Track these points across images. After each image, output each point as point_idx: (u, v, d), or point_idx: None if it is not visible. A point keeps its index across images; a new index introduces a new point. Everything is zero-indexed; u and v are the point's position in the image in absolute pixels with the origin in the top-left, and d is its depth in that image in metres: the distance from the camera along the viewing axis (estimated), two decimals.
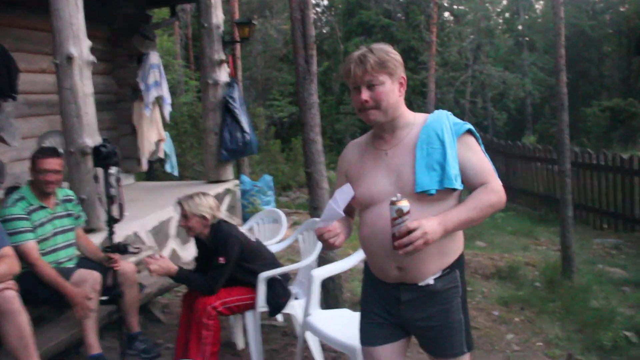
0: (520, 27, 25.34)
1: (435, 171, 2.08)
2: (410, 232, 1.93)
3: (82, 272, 3.69)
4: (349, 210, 2.33)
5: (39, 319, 3.74)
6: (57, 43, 4.54)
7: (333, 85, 20.55)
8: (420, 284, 2.16)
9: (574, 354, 4.02)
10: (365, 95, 2.10)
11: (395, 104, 2.14)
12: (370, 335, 2.33)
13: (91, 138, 4.70)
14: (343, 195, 2.12)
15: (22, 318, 3.15)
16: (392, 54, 2.14)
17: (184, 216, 3.63)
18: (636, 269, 6.17)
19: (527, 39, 24.82)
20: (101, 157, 3.72)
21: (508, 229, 7.98)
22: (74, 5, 4.55)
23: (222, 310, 3.60)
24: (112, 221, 3.75)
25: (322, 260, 4.32)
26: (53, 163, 3.68)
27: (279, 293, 3.77)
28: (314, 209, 4.38)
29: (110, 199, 3.70)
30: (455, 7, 24.05)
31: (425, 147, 2.11)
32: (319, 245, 3.95)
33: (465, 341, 2.24)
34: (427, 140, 2.12)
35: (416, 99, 20.08)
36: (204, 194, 3.71)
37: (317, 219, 3.11)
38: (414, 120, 2.21)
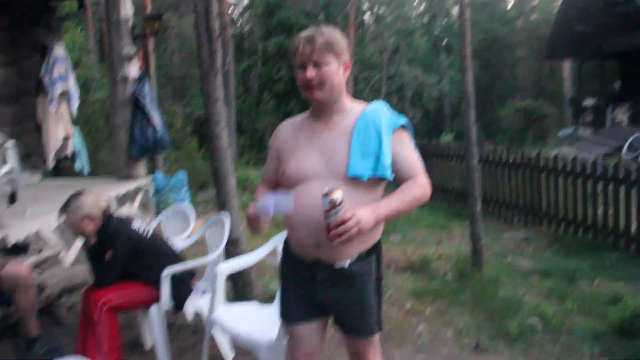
0: (437, 31, 26.01)
1: (369, 159, 2.15)
2: (344, 221, 1.99)
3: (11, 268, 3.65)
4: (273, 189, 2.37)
5: None
6: None
7: (252, 84, 20.40)
8: (335, 266, 2.21)
9: (482, 342, 4.11)
10: (311, 72, 2.15)
11: (339, 85, 2.21)
12: (289, 313, 2.42)
13: None
14: (282, 201, 2.13)
15: None
16: (340, 38, 2.21)
17: (73, 226, 3.52)
18: (543, 260, 6.41)
19: (444, 42, 25.48)
20: None
21: (423, 224, 8.11)
22: None
23: (118, 305, 3.48)
24: None
25: (231, 255, 4.25)
26: None
27: (178, 287, 3.68)
28: (222, 204, 4.28)
29: None
30: (375, 8, 24.42)
31: (361, 135, 2.18)
32: (225, 240, 3.88)
33: (377, 322, 2.34)
34: (364, 129, 2.19)
35: None
36: (76, 194, 3.55)
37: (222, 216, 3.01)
38: (352, 107, 2.28)
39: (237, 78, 19.05)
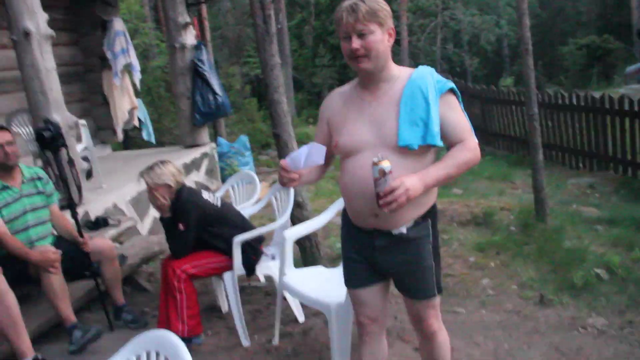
0: None
1: (418, 127, 2.15)
2: (393, 190, 2.01)
3: (97, 241, 3.95)
4: (326, 159, 2.39)
5: (27, 296, 3.80)
6: (11, 19, 4.45)
7: (307, 38, 20.22)
8: (393, 232, 2.27)
9: (546, 294, 4.12)
10: (356, 43, 2.13)
11: (384, 53, 2.19)
12: (352, 278, 2.50)
13: (59, 114, 4.66)
14: (314, 153, 2.17)
15: (9, 298, 3.24)
16: (383, 4, 2.18)
17: (149, 189, 3.66)
18: (609, 207, 6.26)
19: None
20: (46, 141, 3.71)
21: (484, 174, 8.03)
22: None
23: (194, 273, 3.66)
24: (72, 205, 3.76)
25: (297, 219, 4.39)
26: (2, 136, 3.63)
27: (248, 253, 3.84)
28: None
29: (65, 182, 3.69)
30: None
31: (409, 103, 2.17)
32: (290, 205, 4.02)
33: (436, 284, 2.39)
34: (411, 96, 2.18)
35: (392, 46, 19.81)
36: (162, 162, 3.71)
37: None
38: (398, 74, 2.27)
39: (291, 32, 18.95)
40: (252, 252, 3.88)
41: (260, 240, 4.02)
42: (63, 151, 3.97)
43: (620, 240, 5.09)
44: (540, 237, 5.13)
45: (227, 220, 3.83)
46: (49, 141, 3.78)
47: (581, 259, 4.61)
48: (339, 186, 2.38)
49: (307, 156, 2.17)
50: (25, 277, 3.66)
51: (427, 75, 2.23)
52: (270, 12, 4.18)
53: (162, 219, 3.78)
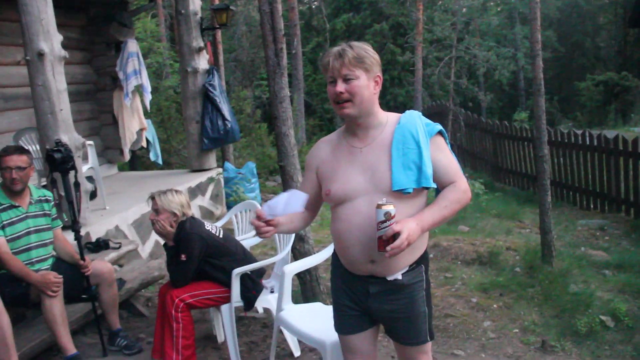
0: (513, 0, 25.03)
1: (411, 170, 2.17)
2: (395, 235, 2.01)
3: (96, 264, 3.93)
4: (313, 208, 2.47)
5: (22, 317, 3.77)
6: (27, 39, 4.49)
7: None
8: (388, 278, 2.26)
9: (549, 340, 4.05)
10: (340, 87, 2.16)
11: (369, 99, 2.20)
12: (343, 325, 2.48)
13: (67, 135, 4.69)
14: (293, 200, 2.17)
15: (3, 319, 3.24)
16: (370, 52, 2.21)
17: (156, 210, 3.68)
18: (618, 252, 6.17)
19: (520, 11, 24.52)
20: (56, 163, 3.71)
21: (493, 212, 7.94)
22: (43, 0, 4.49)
23: (193, 303, 3.65)
24: (76, 227, 3.75)
25: (298, 253, 4.34)
26: (17, 160, 3.65)
27: (248, 287, 3.82)
28: None
29: (71, 204, 3.69)
30: None
31: (401, 147, 2.20)
32: (292, 238, 3.99)
33: (428, 330, 2.39)
34: (402, 140, 2.20)
35: (406, 76, 19.94)
36: (177, 191, 3.76)
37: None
38: (386, 120, 2.29)
39: (306, 57, 19.06)
40: (253, 286, 3.86)
41: (261, 274, 4.00)
42: (71, 173, 3.98)
43: (628, 286, 5.01)
44: (546, 280, 5.04)
45: (229, 252, 3.81)
46: (59, 162, 3.78)
47: (587, 304, 4.53)
48: (332, 234, 2.36)
49: (285, 203, 2.16)
50: (25, 300, 3.65)
51: (416, 119, 2.26)
52: (282, 44, 4.19)
53: (166, 246, 3.80)
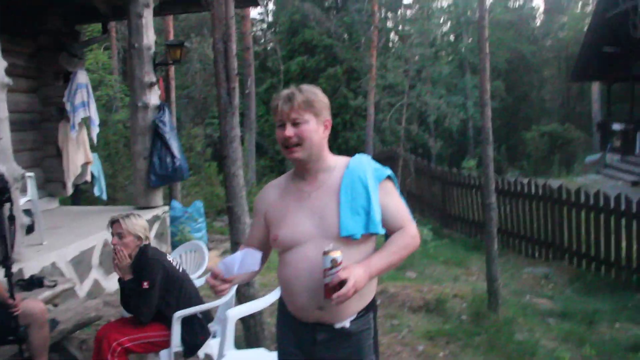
0: (463, 50, 25.79)
1: (360, 216, 2.14)
2: (342, 282, 1.97)
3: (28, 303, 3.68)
4: (264, 254, 2.35)
5: None
6: None
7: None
8: (336, 326, 2.20)
9: None
10: (289, 131, 2.14)
11: (318, 143, 2.19)
12: None
13: (5, 165, 4.48)
14: (248, 259, 2.13)
15: None
16: (320, 96, 2.20)
17: (119, 234, 3.53)
18: (562, 300, 6.27)
19: (470, 61, 25.28)
20: None
21: (440, 259, 7.98)
22: None
23: (131, 347, 3.47)
24: (7, 264, 3.55)
25: (242, 297, 4.21)
26: None
27: (196, 332, 3.67)
28: (235, 244, 4.25)
29: (3, 239, 3.49)
30: (400, 27, 24.37)
31: (349, 192, 2.17)
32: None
33: None
34: (351, 185, 2.18)
35: (358, 120, 20.19)
36: (138, 214, 3.67)
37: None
38: (335, 164, 2.26)
39: (259, 98, 19.10)
40: (201, 332, 3.69)
41: (210, 319, 3.85)
42: (6, 206, 3.77)
43: (571, 335, 5.09)
44: (492, 328, 5.05)
45: (184, 289, 3.67)
46: None
47: (531, 353, 4.58)
48: (279, 279, 2.29)
49: (241, 262, 2.12)
50: None
51: (365, 164, 2.24)
52: (235, 84, 4.14)
53: (120, 281, 3.59)
